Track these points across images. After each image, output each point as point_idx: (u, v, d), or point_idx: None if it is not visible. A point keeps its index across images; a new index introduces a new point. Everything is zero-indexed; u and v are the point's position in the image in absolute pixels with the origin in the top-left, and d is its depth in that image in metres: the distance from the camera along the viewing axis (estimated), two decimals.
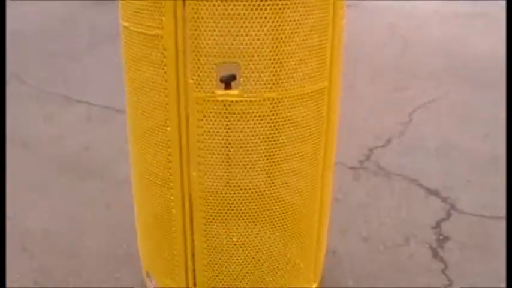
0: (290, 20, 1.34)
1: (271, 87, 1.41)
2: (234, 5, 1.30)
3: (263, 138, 1.49)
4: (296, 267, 1.80)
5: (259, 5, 1.31)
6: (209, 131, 1.47)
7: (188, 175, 1.53)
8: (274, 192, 1.59)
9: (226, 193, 1.53)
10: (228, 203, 1.54)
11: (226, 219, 1.56)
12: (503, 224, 2.68)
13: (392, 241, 2.51)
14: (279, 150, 1.52)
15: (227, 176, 1.57)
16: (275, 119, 1.47)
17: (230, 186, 1.54)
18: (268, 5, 1.31)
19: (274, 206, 1.59)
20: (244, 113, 1.42)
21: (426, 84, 4.63)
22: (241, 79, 1.38)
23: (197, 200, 1.56)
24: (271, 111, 1.44)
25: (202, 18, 1.32)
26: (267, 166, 1.55)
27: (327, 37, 1.45)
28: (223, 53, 1.35)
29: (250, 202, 1.55)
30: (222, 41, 1.34)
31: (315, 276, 1.91)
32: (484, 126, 3.85)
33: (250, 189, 1.54)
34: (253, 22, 1.32)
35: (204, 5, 1.30)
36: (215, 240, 1.61)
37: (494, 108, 4.03)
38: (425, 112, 4.09)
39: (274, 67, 1.38)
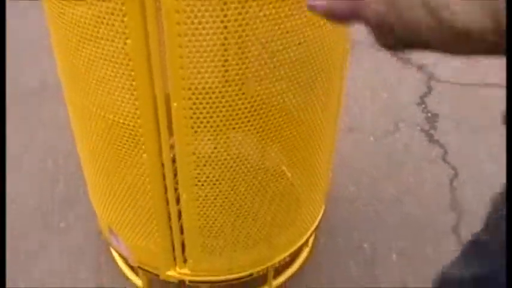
0: None
1: None
2: None
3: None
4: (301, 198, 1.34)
5: None
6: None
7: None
8: (285, 102, 1.06)
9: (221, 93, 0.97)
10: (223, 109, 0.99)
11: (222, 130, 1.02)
12: (484, 92, 2.35)
13: (380, 129, 2.11)
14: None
15: (223, 75, 1.00)
16: None
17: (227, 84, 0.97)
18: None
19: (282, 117, 1.07)
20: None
21: None
22: None
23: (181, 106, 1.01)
24: None
25: None
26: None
27: None
28: None
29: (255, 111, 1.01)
30: None
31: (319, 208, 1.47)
32: None
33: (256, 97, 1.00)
34: None
35: None
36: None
37: None
38: None
39: None
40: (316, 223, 1.45)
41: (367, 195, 1.76)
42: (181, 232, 1.23)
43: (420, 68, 2.52)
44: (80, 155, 1.33)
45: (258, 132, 1.05)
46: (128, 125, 1.04)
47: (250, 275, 1.32)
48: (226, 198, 1.14)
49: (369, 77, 2.42)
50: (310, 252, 1.57)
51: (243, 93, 0.98)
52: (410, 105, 2.25)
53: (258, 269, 1.32)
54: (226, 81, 0.98)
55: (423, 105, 2.25)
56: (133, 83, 0.96)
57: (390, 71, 2.48)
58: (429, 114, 2.20)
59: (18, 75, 2.41)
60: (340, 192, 1.77)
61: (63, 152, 1.96)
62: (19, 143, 2.02)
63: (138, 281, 1.48)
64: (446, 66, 2.50)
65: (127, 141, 1.06)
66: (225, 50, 0.97)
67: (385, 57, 2.56)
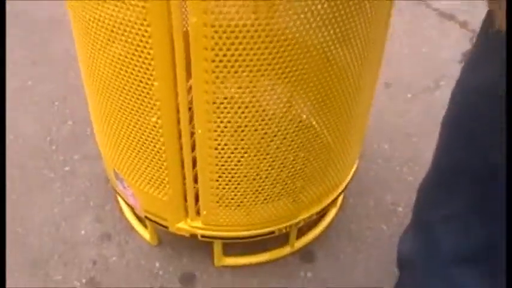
0: None
1: None
2: None
3: None
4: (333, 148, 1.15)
5: None
6: None
7: None
8: (321, 44, 0.87)
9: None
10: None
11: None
12: None
13: (419, 86, 1.90)
14: None
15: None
16: None
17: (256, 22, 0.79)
18: None
19: (315, 62, 0.88)
20: None
21: None
22: None
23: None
24: None
25: None
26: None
27: None
28: None
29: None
30: None
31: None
32: None
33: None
34: None
35: None
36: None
37: None
38: None
39: None
40: (347, 181, 1.28)
41: (402, 155, 1.58)
42: (195, 181, 1.07)
43: (463, 24, 2.29)
44: (87, 90, 1.16)
45: (287, 78, 0.87)
46: (140, 56, 0.86)
47: (271, 232, 1.16)
48: (248, 146, 0.97)
49: (408, 31, 2.21)
50: (338, 213, 1.40)
51: (274, 34, 0.79)
52: (452, 62, 2.03)
53: (280, 226, 1.15)
54: (256, 18, 0.79)
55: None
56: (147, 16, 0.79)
57: (431, 25, 2.25)
58: None
59: (28, 7, 2.25)
60: (373, 150, 1.59)
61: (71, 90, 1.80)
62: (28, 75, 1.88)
63: (145, 233, 1.33)
64: None
65: (138, 74, 0.89)
66: None
67: (426, 11, 2.34)
